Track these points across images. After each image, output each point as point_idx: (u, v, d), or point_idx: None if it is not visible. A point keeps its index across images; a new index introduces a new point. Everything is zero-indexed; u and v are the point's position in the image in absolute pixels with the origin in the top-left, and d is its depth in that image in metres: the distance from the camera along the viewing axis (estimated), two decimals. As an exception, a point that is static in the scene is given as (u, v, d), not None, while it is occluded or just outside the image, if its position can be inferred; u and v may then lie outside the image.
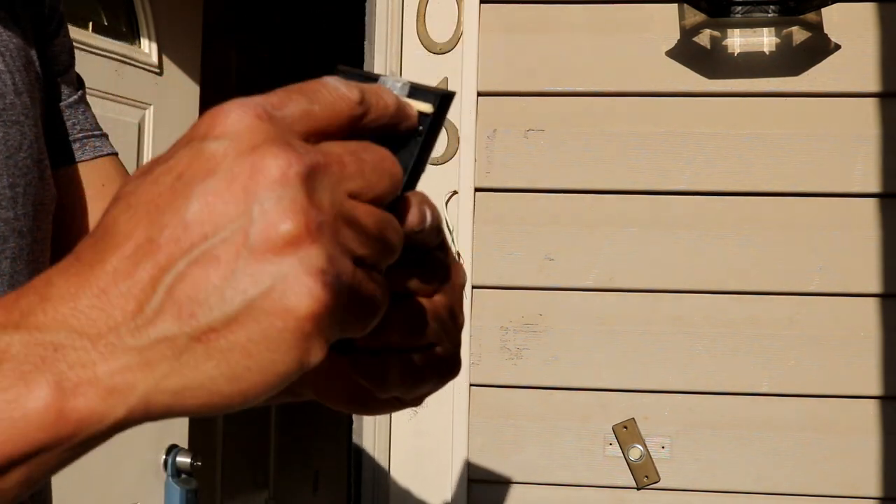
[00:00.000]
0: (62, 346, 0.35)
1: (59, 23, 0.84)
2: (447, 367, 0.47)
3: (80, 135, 0.82)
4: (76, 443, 0.37)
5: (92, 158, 0.82)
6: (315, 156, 0.35)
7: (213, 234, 0.34)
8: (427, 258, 0.46)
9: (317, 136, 0.37)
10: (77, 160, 0.81)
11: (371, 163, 0.38)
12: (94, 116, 0.84)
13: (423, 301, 0.45)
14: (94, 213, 0.83)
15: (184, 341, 0.34)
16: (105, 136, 0.84)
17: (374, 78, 0.47)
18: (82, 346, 0.35)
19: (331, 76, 0.39)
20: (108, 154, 0.84)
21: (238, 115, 0.35)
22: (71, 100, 0.82)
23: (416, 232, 0.43)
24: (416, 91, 0.48)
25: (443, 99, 0.47)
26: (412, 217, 0.43)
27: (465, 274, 0.48)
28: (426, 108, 0.48)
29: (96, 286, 0.35)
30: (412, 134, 0.46)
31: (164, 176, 0.35)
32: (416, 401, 0.48)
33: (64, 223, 0.79)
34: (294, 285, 0.34)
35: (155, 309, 0.34)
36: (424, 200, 0.44)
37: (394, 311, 0.43)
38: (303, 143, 0.35)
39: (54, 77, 0.80)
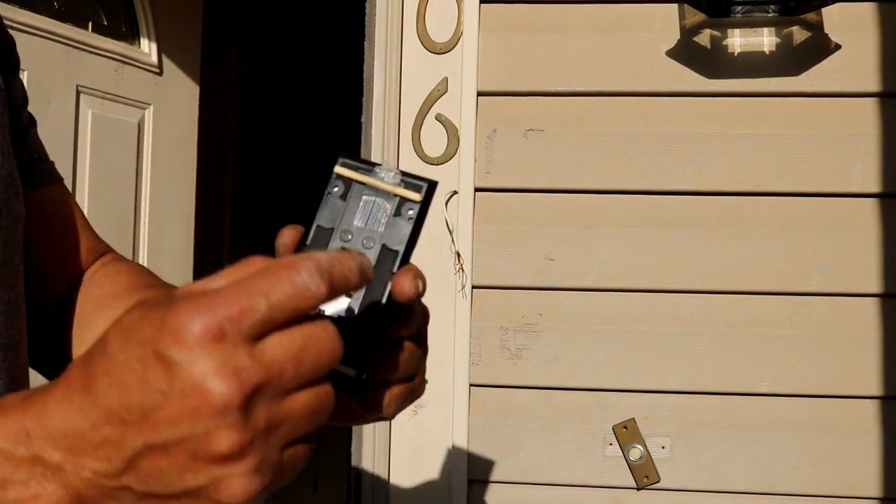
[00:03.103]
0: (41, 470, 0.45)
1: (17, 61, 0.87)
2: (420, 391, 0.60)
3: (37, 160, 0.85)
4: None
5: (49, 185, 0.86)
6: (257, 374, 0.43)
7: (168, 434, 0.43)
8: (411, 311, 0.57)
9: (273, 329, 0.44)
10: (37, 185, 0.84)
11: (313, 354, 0.45)
12: (43, 147, 0.87)
13: (407, 344, 0.57)
14: (45, 237, 0.87)
15: (135, 496, 0.45)
16: (53, 163, 0.88)
17: (371, 166, 0.59)
18: (52, 474, 0.45)
19: (306, 256, 0.45)
20: (59, 182, 0.88)
21: (198, 333, 0.42)
22: (30, 129, 0.86)
23: (410, 300, 0.56)
24: (407, 179, 0.59)
25: (429, 188, 0.59)
26: (408, 289, 0.56)
27: (427, 310, 0.62)
28: (416, 196, 0.60)
29: (72, 442, 0.45)
30: (404, 219, 0.59)
31: (135, 363, 0.43)
32: (392, 416, 0.61)
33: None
34: (227, 486, 0.43)
35: (119, 468, 0.44)
36: (417, 274, 0.57)
37: (388, 356, 0.56)
38: (248, 358, 0.43)
39: (16, 107, 0.83)
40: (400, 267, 0.59)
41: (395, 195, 0.61)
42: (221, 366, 0.42)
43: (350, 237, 0.61)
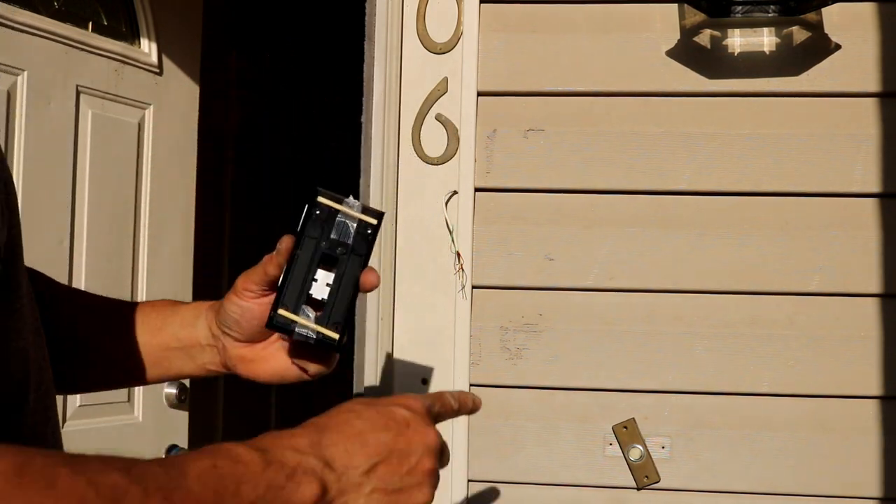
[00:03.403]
0: (322, 468, 0.79)
1: None
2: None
3: None
4: None
5: None
6: (440, 436, 0.86)
7: (404, 456, 0.83)
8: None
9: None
10: None
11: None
12: None
13: None
14: None
15: (375, 492, 0.82)
16: None
17: (341, 197, 0.98)
18: (330, 472, 0.80)
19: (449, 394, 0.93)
20: None
21: (419, 406, 0.86)
22: None
23: (372, 289, 0.99)
24: (366, 209, 0.98)
25: (382, 216, 0.98)
26: (371, 282, 0.97)
27: None
28: (373, 221, 0.97)
29: (344, 449, 0.81)
30: (364, 235, 0.97)
31: (381, 418, 0.84)
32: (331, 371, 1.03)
33: None
34: (422, 491, 0.83)
35: (368, 471, 0.81)
36: (376, 273, 0.98)
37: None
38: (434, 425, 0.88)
39: None
40: (364, 267, 0.98)
41: (360, 219, 0.98)
42: (429, 423, 0.86)
43: (325, 244, 0.98)
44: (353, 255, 0.99)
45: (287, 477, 0.78)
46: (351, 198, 0.98)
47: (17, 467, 0.58)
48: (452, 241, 1.64)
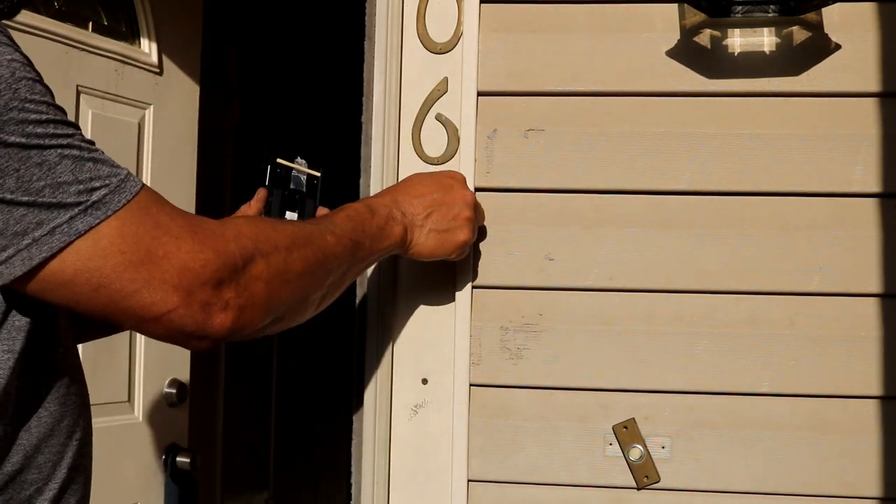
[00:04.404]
0: (401, 216, 1.38)
1: None
2: None
3: None
4: (387, 253, 1.39)
5: None
6: (474, 195, 1.50)
7: (449, 207, 1.43)
8: None
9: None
10: None
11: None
12: None
13: None
14: None
15: (431, 231, 1.41)
16: None
17: (293, 158, 1.48)
18: (406, 219, 1.38)
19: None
20: None
21: (461, 176, 1.50)
22: None
23: None
24: (311, 166, 1.49)
25: (321, 169, 1.50)
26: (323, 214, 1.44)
27: None
28: (318, 173, 1.50)
29: (411, 202, 1.39)
30: (315, 185, 1.50)
31: (434, 181, 1.46)
32: None
33: None
34: (463, 230, 1.45)
35: (426, 217, 1.41)
36: (324, 208, 1.51)
37: None
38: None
39: None
40: (316, 207, 1.47)
41: (308, 173, 1.48)
42: (468, 190, 1.47)
43: (286, 192, 1.45)
44: (308, 198, 1.48)
45: (385, 220, 1.33)
46: (300, 158, 1.47)
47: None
48: (452, 241, 1.63)
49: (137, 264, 0.95)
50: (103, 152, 1.00)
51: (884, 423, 1.58)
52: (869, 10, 1.60)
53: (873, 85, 1.60)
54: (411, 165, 1.67)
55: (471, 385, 1.64)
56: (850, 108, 1.60)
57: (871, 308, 1.59)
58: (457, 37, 1.67)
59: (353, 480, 1.69)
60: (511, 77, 1.67)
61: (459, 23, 1.67)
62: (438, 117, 1.67)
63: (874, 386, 1.58)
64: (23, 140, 0.91)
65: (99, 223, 0.94)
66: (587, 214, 1.64)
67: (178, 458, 2.47)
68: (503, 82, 1.67)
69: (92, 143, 0.99)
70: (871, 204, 1.60)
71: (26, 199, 0.91)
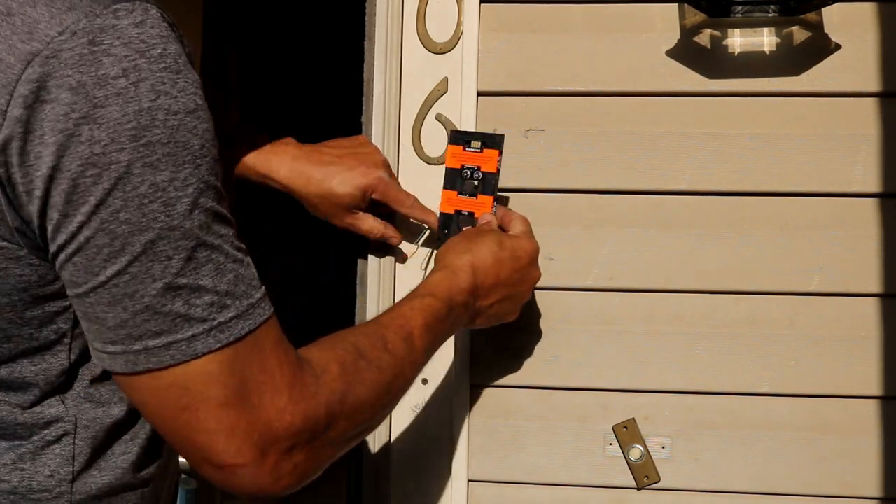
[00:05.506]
0: (472, 309, 1.33)
1: None
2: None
3: None
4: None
5: None
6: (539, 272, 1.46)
7: (517, 299, 1.42)
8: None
9: None
10: None
11: None
12: None
13: None
14: None
15: (489, 317, 1.38)
16: None
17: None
18: (473, 309, 1.33)
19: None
20: None
21: (533, 247, 1.45)
22: None
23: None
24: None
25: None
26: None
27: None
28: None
29: (487, 293, 1.35)
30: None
31: (504, 253, 1.37)
32: None
33: None
34: (517, 313, 1.44)
35: (491, 305, 1.36)
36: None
37: None
38: None
39: None
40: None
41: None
42: (537, 266, 1.45)
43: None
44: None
45: (457, 318, 1.29)
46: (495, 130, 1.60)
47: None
48: (452, 241, 1.63)
49: (231, 405, 0.87)
50: (249, 262, 0.91)
51: (884, 423, 1.58)
52: (869, 10, 1.60)
53: (873, 85, 1.60)
54: (411, 165, 1.67)
55: (471, 385, 1.64)
56: (850, 108, 1.60)
57: (871, 308, 1.59)
58: (457, 37, 1.67)
59: (352, 480, 1.69)
60: (511, 77, 1.67)
61: (459, 23, 1.67)
62: (438, 117, 1.67)
63: (874, 386, 1.58)
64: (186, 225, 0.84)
65: (219, 348, 0.87)
66: (587, 214, 1.64)
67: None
68: (503, 82, 1.67)
69: (241, 247, 0.91)
70: (871, 204, 1.60)
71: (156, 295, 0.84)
